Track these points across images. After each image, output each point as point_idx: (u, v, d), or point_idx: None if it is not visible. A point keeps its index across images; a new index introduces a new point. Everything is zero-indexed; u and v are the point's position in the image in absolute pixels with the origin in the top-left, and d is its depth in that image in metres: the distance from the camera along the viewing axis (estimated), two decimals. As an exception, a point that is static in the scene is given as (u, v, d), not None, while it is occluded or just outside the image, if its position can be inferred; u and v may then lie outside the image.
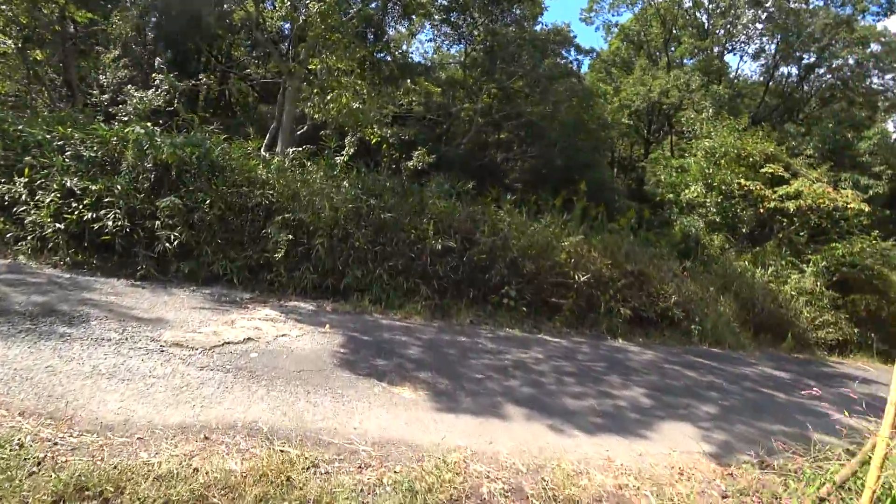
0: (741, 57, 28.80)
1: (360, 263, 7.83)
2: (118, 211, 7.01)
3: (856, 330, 14.24)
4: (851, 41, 24.60)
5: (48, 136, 7.92)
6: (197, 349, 4.52)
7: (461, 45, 22.29)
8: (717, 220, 16.96)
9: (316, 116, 9.55)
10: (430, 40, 22.14)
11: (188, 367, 4.11)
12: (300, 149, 10.03)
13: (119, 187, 7.12)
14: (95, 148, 7.77)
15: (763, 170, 16.78)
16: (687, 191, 17.76)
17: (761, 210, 16.28)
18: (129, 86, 9.21)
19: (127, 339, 4.49)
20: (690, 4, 27.60)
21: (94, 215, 6.96)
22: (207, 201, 7.21)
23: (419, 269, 8.34)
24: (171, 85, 9.04)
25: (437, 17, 21.43)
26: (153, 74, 9.43)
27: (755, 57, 28.20)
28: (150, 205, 7.19)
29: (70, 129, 8.02)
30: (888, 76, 26.18)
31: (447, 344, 6.48)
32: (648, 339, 10.13)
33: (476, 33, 21.03)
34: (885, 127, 26.00)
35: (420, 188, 9.39)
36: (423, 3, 20.87)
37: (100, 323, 4.76)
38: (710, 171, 17.09)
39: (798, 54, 26.13)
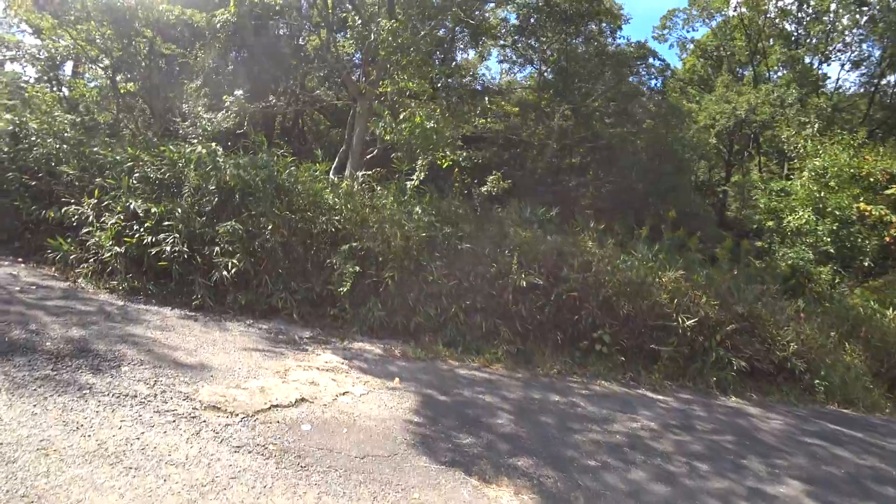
0: (842, 66, 25.70)
1: (434, 300, 6.88)
2: (177, 235, 6.49)
3: None
4: None
5: (118, 158, 7.66)
6: (237, 416, 3.64)
7: (533, 67, 21.41)
8: (831, 250, 14.60)
9: (387, 138, 8.85)
10: (500, 61, 21.30)
11: (220, 445, 3.21)
12: (369, 172, 9.37)
13: (180, 210, 6.62)
14: (163, 170, 7.40)
15: (888, 191, 14.42)
16: (792, 217, 15.53)
17: (887, 238, 13.92)
18: (199, 108, 8.93)
19: (156, 395, 3.70)
20: (774, 14, 25.15)
21: (153, 239, 6.48)
22: (269, 227, 6.55)
23: (499, 308, 7.26)
24: (241, 107, 8.65)
25: (507, 38, 20.78)
26: (223, 97, 9.13)
27: (856, 65, 25.21)
28: (210, 229, 6.63)
29: (139, 151, 7.74)
30: None
31: (540, 407, 5.31)
32: (764, 397, 8.43)
33: (549, 53, 20.11)
34: None
35: (500, 215, 8.38)
36: (493, 25, 20.32)
37: (131, 370, 4.03)
38: (822, 194, 14.85)
39: None
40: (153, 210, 6.63)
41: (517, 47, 20.34)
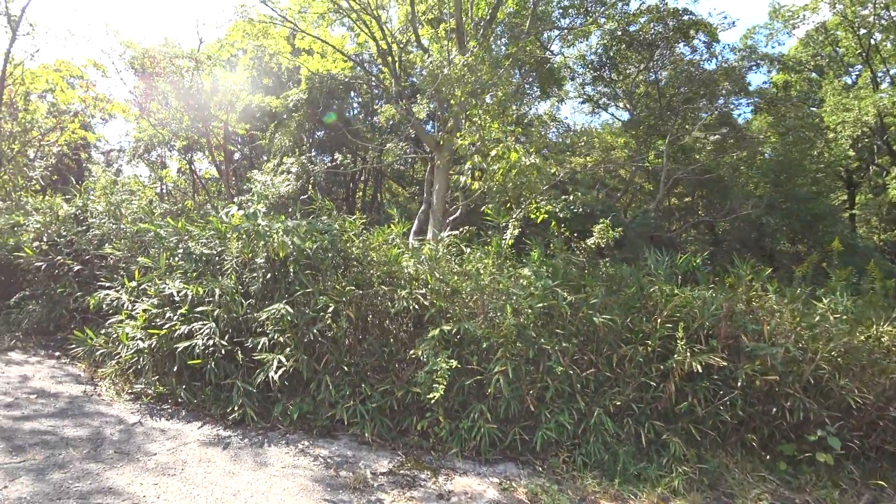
0: None
1: (564, 401, 4.68)
2: (213, 324, 4.91)
3: None
4: None
5: (162, 233, 6.44)
6: None
7: (616, 106, 19.35)
8: None
9: (475, 187, 7.07)
10: (582, 102, 19.46)
11: None
12: (456, 232, 7.60)
13: (218, 291, 5.08)
14: (210, 244, 6.05)
15: None
16: None
17: None
18: (254, 170, 7.71)
19: None
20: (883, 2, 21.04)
21: (187, 329, 4.94)
22: (331, 308, 4.79)
23: (660, 407, 4.91)
24: (303, 167, 7.30)
25: (586, 76, 19.03)
26: (283, 158, 7.88)
27: None
28: (256, 315, 5.00)
29: (186, 223, 6.51)
30: None
31: None
32: None
33: (633, 88, 18.03)
34: None
35: (627, 271, 6.14)
36: (561, 68, 18.63)
37: None
38: None
39: None
40: (188, 293, 5.16)
41: (598, 85, 18.45)
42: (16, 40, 11.23)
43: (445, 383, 4.23)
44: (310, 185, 8.11)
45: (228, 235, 5.87)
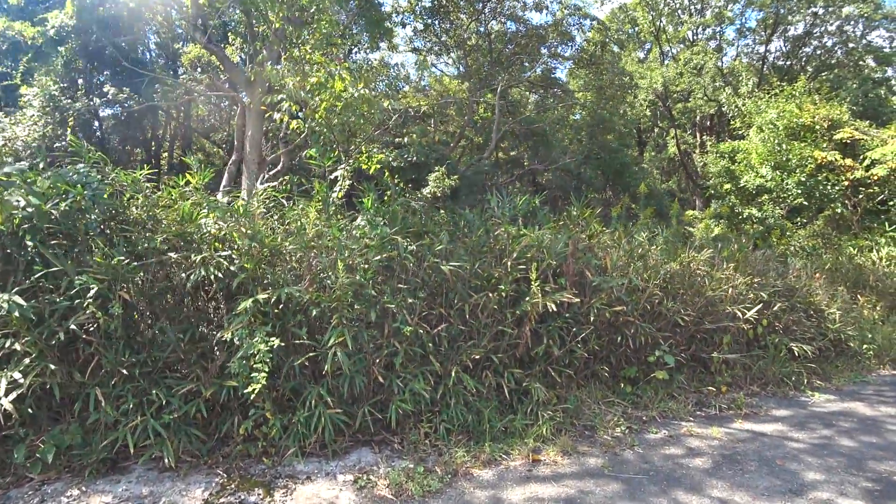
0: (737, 31, 25.67)
1: (417, 365, 4.06)
2: None
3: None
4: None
5: None
6: None
7: (450, 54, 19.02)
8: (804, 202, 13.81)
9: (294, 126, 5.88)
10: (412, 52, 18.64)
11: None
12: (274, 184, 6.36)
13: None
14: None
15: (837, 136, 13.98)
16: (754, 175, 14.61)
17: (846, 182, 13.38)
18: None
19: None
20: None
21: None
22: (92, 290, 3.39)
23: (516, 353, 4.60)
24: (52, 101, 5.30)
25: (416, 25, 18.22)
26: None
27: (752, 31, 25.37)
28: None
29: None
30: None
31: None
32: (829, 381, 6.69)
33: (466, 37, 17.79)
34: (919, 76, 23.20)
35: (479, 212, 5.71)
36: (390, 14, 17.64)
37: None
38: (784, 147, 13.94)
39: (782, 28, 23.55)
40: None
41: (431, 32, 17.75)
42: None
43: (268, 369, 3.26)
44: (69, 129, 6.00)
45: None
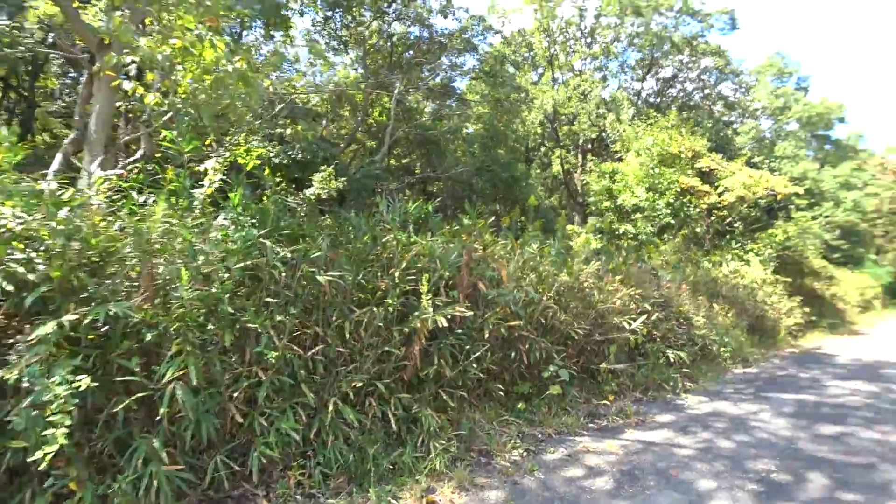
0: (619, 67, 28.26)
1: (286, 397, 3.37)
2: None
3: (807, 310, 14.46)
4: (708, 51, 25.41)
5: None
6: None
7: (349, 53, 18.16)
8: (672, 221, 15.38)
9: (147, 101, 4.83)
10: (306, 44, 17.44)
11: None
12: (120, 171, 5.22)
13: None
14: None
15: (698, 165, 15.86)
16: (630, 195, 15.86)
17: (704, 206, 15.22)
18: None
19: None
20: (574, 16, 26.55)
21: None
22: None
23: (404, 376, 4.09)
24: None
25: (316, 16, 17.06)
26: None
27: (631, 69, 28.04)
28: None
29: None
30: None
31: None
32: (698, 384, 7.30)
33: (367, 35, 17.04)
34: (758, 124, 27.34)
35: (367, 217, 5.13)
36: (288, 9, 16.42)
37: None
38: (658, 170, 15.33)
39: (655, 69, 26.61)
40: None
41: (330, 26, 16.69)
42: None
43: (70, 421, 2.40)
44: None
45: None
